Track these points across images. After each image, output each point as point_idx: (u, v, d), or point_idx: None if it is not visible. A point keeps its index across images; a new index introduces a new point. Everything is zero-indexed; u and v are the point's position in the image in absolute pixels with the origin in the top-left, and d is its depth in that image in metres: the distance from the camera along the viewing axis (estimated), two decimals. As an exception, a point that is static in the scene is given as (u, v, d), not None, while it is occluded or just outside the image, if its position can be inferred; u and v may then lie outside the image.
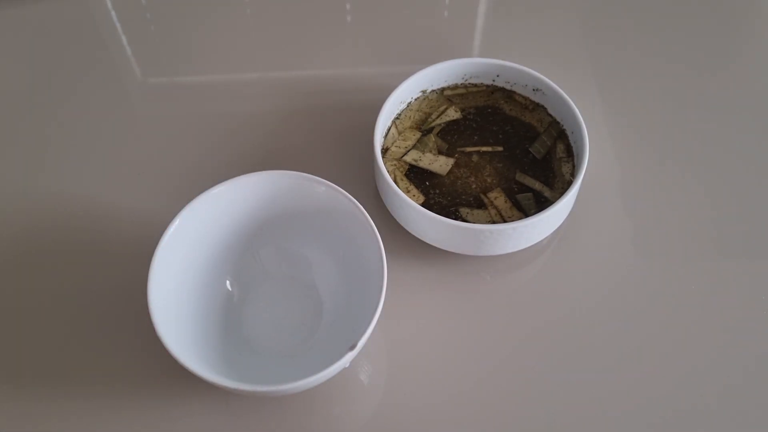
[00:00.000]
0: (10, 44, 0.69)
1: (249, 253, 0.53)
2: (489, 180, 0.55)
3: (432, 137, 0.58)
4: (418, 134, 0.58)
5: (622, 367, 0.49)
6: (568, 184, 0.53)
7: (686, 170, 0.60)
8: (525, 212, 0.53)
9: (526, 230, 0.50)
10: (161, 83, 0.67)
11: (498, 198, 0.54)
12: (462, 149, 0.57)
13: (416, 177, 0.56)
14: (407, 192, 0.54)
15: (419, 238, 0.53)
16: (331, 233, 0.51)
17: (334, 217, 0.50)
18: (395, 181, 0.54)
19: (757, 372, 0.49)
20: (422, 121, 0.59)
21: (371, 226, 0.47)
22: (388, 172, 0.53)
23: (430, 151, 0.57)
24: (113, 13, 0.71)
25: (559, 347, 0.50)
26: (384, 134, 0.57)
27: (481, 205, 0.54)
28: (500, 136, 0.58)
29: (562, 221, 0.54)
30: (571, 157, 0.56)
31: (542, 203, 0.54)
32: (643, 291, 0.53)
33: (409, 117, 0.59)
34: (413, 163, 0.56)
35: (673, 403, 0.48)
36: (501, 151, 0.57)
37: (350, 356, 0.43)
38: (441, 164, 0.56)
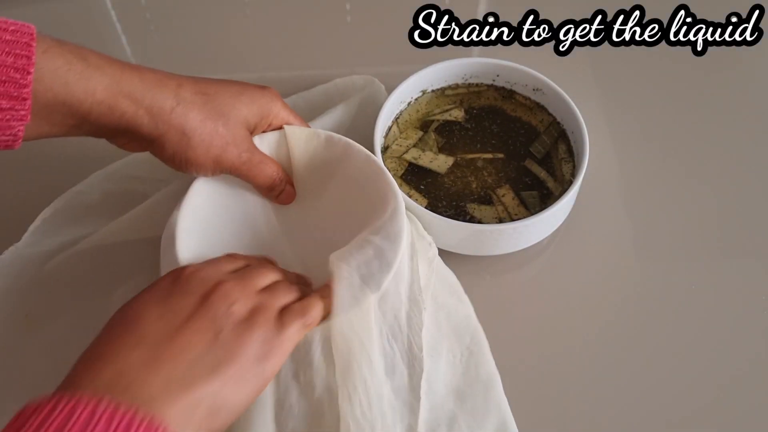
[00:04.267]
0: (10, 44, 0.68)
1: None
2: (490, 180, 0.55)
3: (431, 134, 0.58)
4: (420, 133, 0.58)
5: (622, 366, 0.49)
6: (569, 184, 0.53)
7: (686, 170, 0.60)
8: (530, 210, 0.53)
9: (526, 230, 0.50)
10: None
11: (506, 195, 0.54)
12: (463, 156, 0.57)
13: (415, 179, 0.55)
14: (408, 196, 0.54)
15: (419, 237, 0.53)
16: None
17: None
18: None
19: (757, 371, 0.49)
20: (424, 120, 0.59)
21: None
22: (388, 170, 0.52)
23: (430, 150, 0.57)
24: (113, 12, 0.71)
25: (559, 346, 0.50)
26: (385, 133, 0.57)
27: (488, 201, 0.54)
28: (498, 139, 0.58)
29: (562, 221, 0.54)
30: (572, 157, 0.56)
31: (546, 201, 0.54)
32: (642, 290, 0.53)
33: (411, 116, 0.59)
34: (413, 161, 0.56)
35: (672, 402, 0.47)
36: (502, 157, 0.57)
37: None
38: (440, 163, 0.56)
